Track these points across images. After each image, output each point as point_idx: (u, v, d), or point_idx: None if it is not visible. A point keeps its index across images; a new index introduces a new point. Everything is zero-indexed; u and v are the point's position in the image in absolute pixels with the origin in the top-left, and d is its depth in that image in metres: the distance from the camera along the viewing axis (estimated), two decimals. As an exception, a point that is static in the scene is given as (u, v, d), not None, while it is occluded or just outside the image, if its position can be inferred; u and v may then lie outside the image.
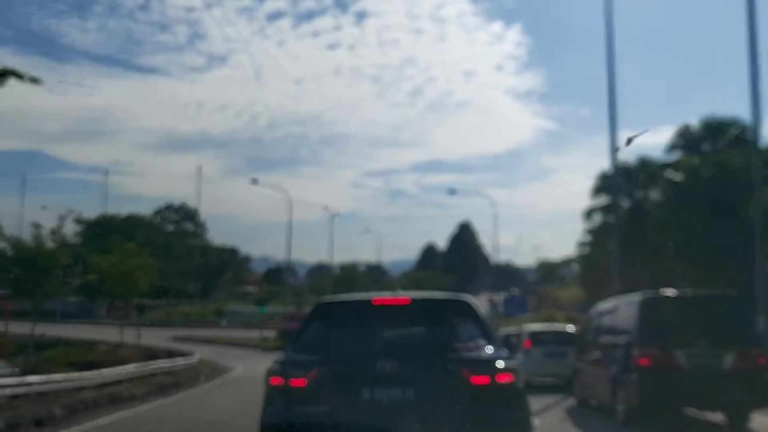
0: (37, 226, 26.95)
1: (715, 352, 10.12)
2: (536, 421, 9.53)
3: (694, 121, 31.69)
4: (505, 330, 30.82)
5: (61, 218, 28.69)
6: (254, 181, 53.03)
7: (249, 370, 25.82)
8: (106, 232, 56.26)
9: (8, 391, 13.33)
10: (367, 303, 6.22)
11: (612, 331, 11.97)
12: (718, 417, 10.97)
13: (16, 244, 26.28)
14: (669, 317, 10.68)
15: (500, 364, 5.19)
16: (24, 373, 17.77)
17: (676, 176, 29.21)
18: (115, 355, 25.54)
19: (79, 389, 15.66)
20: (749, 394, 10.13)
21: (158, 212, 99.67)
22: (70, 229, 31.25)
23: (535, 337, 18.89)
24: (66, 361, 25.94)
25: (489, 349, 5.40)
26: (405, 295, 6.10)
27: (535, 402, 12.87)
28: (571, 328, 21.07)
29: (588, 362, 13.15)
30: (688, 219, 25.54)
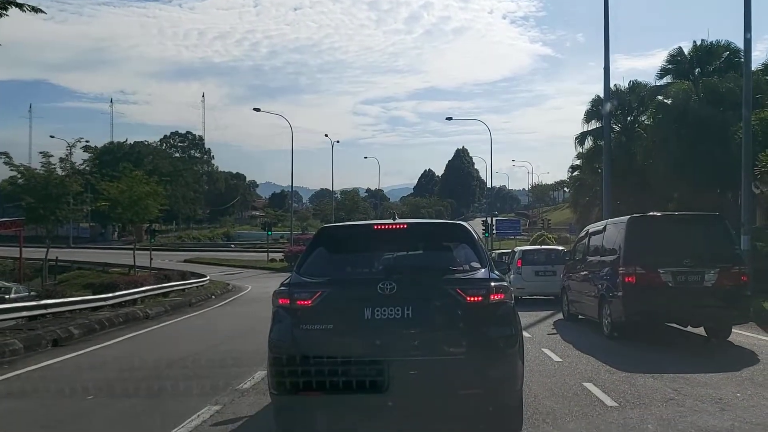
0: (46, 154, 26.90)
1: (699, 270, 10.21)
2: (526, 335, 9.75)
3: (686, 46, 31.00)
4: (499, 250, 31.22)
5: (70, 147, 28.63)
6: (257, 110, 52.29)
7: (258, 290, 26.19)
8: (114, 159, 56.08)
9: (25, 314, 13.55)
10: (368, 228, 6.26)
11: (600, 250, 12.08)
12: (699, 331, 11.21)
13: (27, 172, 26.25)
14: (655, 237, 10.73)
15: (492, 284, 5.25)
16: (40, 295, 18.04)
17: (667, 101, 28.80)
18: (128, 277, 25.88)
19: (95, 310, 15.93)
20: (730, 309, 10.30)
21: (164, 140, 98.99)
22: (79, 158, 31.25)
23: (526, 256, 19.10)
24: (81, 283, 26.38)
25: (482, 271, 5.45)
26: (403, 221, 6.13)
27: (526, 317, 13.15)
28: (561, 248, 21.29)
29: (577, 280, 13.33)
30: (678, 143, 25.33)
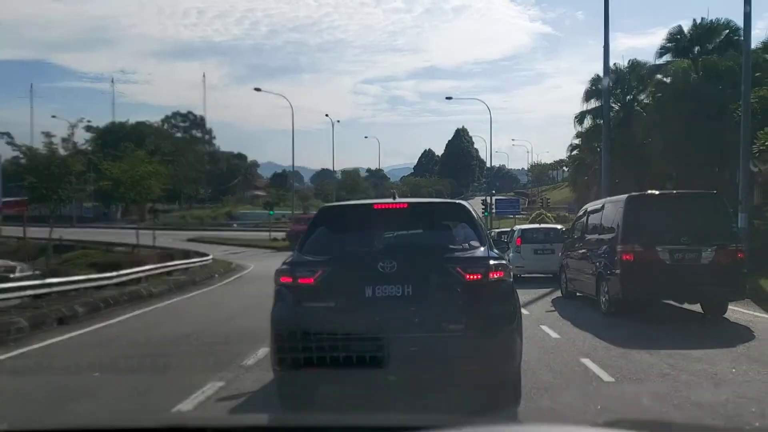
0: (48, 134, 26.74)
1: (696, 248, 10.26)
2: (524, 312, 9.81)
3: (686, 24, 30.76)
4: (497, 229, 31.28)
5: (72, 127, 28.46)
6: (257, 89, 52.00)
7: (260, 268, 26.21)
8: (116, 139, 55.83)
9: (30, 292, 13.61)
10: (368, 207, 6.29)
11: (598, 228, 12.11)
12: (696, 308, 11.27)
13: (29, 152, 26.14)
14: (653, 215, 10.77)
15: (491, 262, 5.28)
16: (44, 274, 18.09)
17: (666, 79, 28.64)
18: (132, 256, 25.95)
19: (99, 288, 15.98)
20: (726, 286, 10.37)
21: (166, 119, 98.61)
22: (81, 137, 31.09)
23: (525, 235, 19.14)
24: (85, 262, 26.43)
25: (481, 249, 5.47)
26: (403, 201, 6.16)
27: (524, 294, 13.19)
28: (559, 227, 21.33)
29: (575, 258, 13.38)
30: (676, 121, 25.25)
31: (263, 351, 7.77)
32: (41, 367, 8.12)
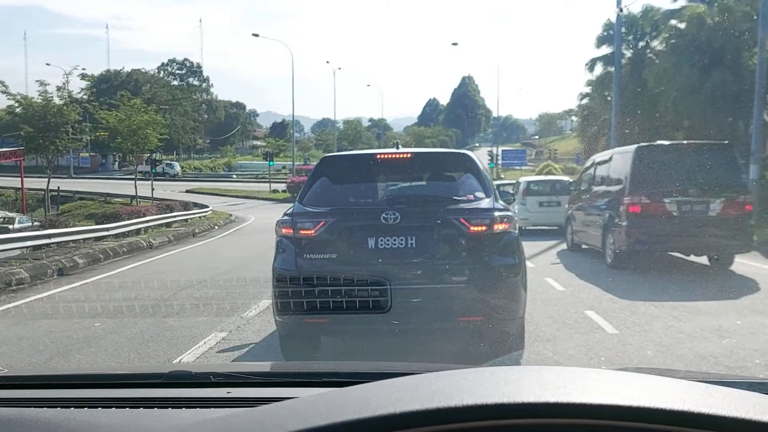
0: (43, 83, 26.48)
1: (704, 199, 10.28)
2: (529, 265, 9.89)
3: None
4: (498, 181, 31.25)
5: (66, 75, 28.18)
6: (255, 35, 51.19)
7: (261, 220, 26.33)
8: (111, 88, 55.41)
9: (29, 243, 13.75)
10: (371, 158, 6.28)
11: (606, 180, 12.10)
12: (702, 260, 11.35)
13: (24, 101, 25.94)
14: (661, 167, 10.73)
15: (496, 213, 5.29)
16: (43, 225, 18.22)
17: (680, 25, 28.11)
18: (131, 207, 26.05)
19: (98, 240, 16.13)
20: (733, 239, 10.42)
21: (162, 67, 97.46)
22: (76, 86, 30.85)
23: (530, 187, 19.13)
24: (83, 213, 26.57)
25: (486, 200, 5.48)
26: (407, 151, 6.13)
27: (530, 247, 13.26)
28: (566, 178, 21.30)
29: (581, 210, 13.40)
30: (690, 69, 24.89)
31: (265, 303, 7.88)
32: (43, 317, 8.26)
